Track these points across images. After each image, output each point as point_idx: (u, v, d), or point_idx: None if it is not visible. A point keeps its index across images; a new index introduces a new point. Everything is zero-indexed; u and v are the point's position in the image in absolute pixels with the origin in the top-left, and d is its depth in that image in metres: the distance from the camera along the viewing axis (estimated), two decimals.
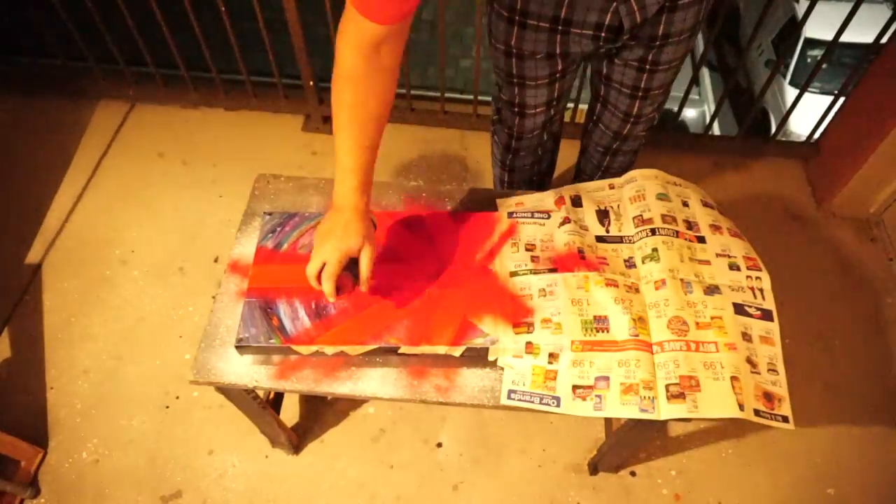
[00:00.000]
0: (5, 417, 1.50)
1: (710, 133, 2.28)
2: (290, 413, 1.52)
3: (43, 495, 1.44)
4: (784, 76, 5.62)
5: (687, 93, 2.04)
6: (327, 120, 2.17)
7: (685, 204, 1.22)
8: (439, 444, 1.49)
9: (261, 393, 1.22)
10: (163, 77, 2.10)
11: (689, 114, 5.67)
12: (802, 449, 1.52)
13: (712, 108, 6.25)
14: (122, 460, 1.48)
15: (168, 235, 1.89)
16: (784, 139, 2.26)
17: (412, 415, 1.52)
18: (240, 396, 1.17)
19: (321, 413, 1.53)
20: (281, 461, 1.47)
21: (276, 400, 1.40)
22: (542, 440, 1.49)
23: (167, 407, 1.56)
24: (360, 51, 0.90)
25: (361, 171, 0.99)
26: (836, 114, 1.95)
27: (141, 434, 1.52)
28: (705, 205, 1.22)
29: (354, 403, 1.54)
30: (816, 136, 2.06)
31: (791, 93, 5.46)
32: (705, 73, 6.18)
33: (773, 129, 5.12)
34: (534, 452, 1.47)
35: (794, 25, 5.82)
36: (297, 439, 1.48)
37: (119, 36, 1.95)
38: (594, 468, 1.42)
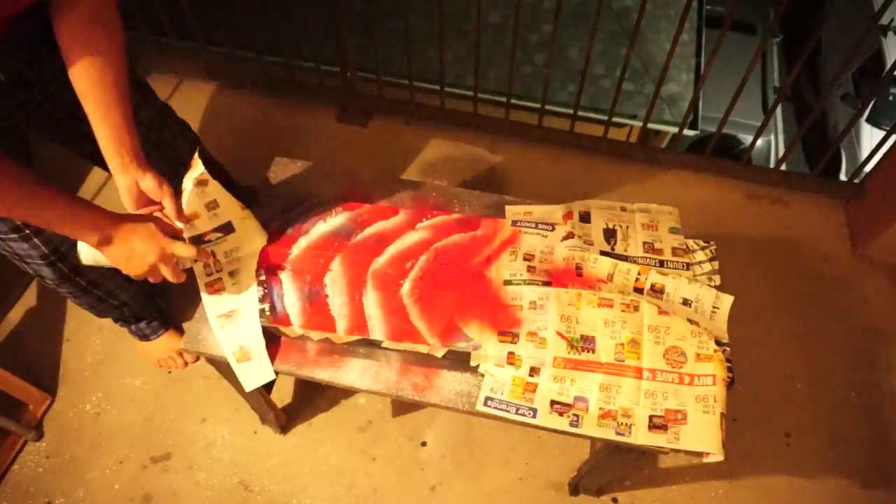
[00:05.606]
0: (22, 362, 1.58)
1: (750, 162, 2.19)
2: (283, 393, 1.55)
3: (45, 440, 1.51)
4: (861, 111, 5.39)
5: (764, 124, 1.95)
6: (362, 111, 2.19)
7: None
8: (423, 444, 1.49)
9: None
10: (210, 56, 2.17)
11: (750, 140, 5.49)
12: (799, 500, 1.44)
13: (780, 136, 5.96)
14: (121, 417, 1.54)
15: None
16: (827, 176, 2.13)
17: (401, 410, 1.52)
18: (228, 370, 1.20)
19: (313, 397, 1.55)
20: (268, 439, 1.50)
21: None
22: (527, 454, 1.47)
23: (170, 372, 1.61)
24: None
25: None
26: (889, 152, 1.83)
27: (142, 394, 1.58)
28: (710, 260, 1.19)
29: (346, 392, 1.56)
30: (867, 169, 1.94)
31: (867, 130, 5.17)
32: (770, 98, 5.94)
33: (844, 165, 4.83)
34: (517, 464, 1.45)
35: (879, 59, 5.52)
36: (287, 420, 1.50)
37: (170, 10, 2.02)
38: (574, 489, 1.39)
